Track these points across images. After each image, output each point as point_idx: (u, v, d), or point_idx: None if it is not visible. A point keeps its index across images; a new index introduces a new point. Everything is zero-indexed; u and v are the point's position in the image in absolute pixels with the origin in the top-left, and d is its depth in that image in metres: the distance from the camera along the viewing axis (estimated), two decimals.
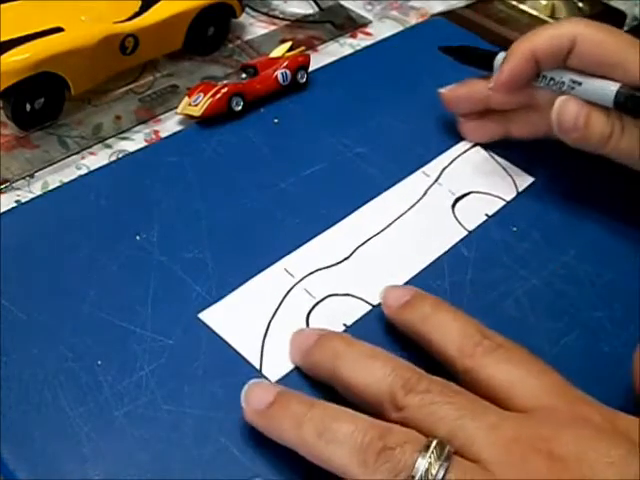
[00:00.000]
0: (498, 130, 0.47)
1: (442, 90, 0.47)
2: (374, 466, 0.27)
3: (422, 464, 0.27)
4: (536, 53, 0.42)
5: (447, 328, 0.33)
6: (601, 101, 0.40)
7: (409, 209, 0.43)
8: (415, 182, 0.45)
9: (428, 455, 0.27)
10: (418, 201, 0.43)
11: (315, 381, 0.34)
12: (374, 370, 0.31)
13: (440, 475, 0.27)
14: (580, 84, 0.41)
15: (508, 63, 0.42)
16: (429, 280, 0.39)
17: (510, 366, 0.31)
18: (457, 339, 0.32)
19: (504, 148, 0.47)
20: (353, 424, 0.29)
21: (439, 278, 0.39)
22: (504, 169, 0.46)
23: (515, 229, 0.43)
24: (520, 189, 0.45)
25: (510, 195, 0.45)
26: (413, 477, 0.27)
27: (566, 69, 0.42)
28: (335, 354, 0.32)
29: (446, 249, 0.41)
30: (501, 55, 0.44)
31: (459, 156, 0.47)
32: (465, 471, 0.27)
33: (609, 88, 0.40)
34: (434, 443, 0.27)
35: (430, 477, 0.27)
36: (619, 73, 0.40)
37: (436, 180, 0.45)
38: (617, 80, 0.40)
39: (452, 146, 0.47)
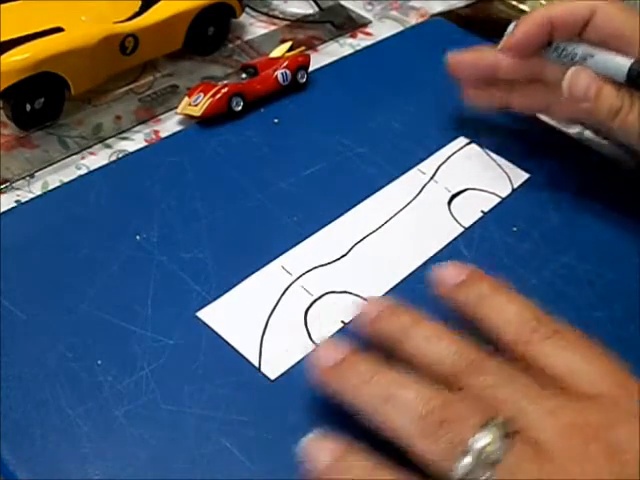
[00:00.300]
0: (500, 98, 0.46)
1: (448, 55, 0.46)
2: (434, 436, 0.27)
3: (482, 440, 0.26)
4: (553, 20, 0.41)
5: (503, 312, 0.32)
6: (613, 75, 0.40)
7: (405, 206, 0.43)
8: (411, 180, 0.45)
9: (489, 432, 0.27)
10: (414, 198, 0.44)
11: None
12: (439, 349, 0.30)
13: (498, 454, 0.26)
14: (593, 57, 0.41)
15: (521, 26, 0.42)
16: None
17: (567, 353, 0.30)
18: (513, 324, 0.32)
19: (499, 145, 0.47)
20: (418, 392, 0.28)
21: None
22: (499, 166, 0.47)
23: (515, 229, 0.43)
24: (515, 185, 0.45)
25: (505, 192, 0.45)
26: (470, 451, 0.26)
27: (580, 41, 0.41)
28: (402, 329, 0.32)
29: (442, 246, 0.41)
30: (514, 23, 0.43)
31: (454, 153, 0.47)
32: (523, 452, 0.27)
33: (622, 63, 0.40)
34: (496, 421, 0.27)
35: (487, 454, 0.26)
36: (633, 49, 0.40)
37: (432, 177, 0.45)
38: (631, 55, 0.40)
39: (447, 144, 0.47)
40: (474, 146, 0.48)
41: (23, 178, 0.42)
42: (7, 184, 0.41)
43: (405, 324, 0.32)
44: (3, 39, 0.42)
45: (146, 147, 0.44)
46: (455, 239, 0.41)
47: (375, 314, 0.33)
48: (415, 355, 0.31)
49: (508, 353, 0.31)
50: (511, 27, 0.43)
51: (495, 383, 0.29)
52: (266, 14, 0.57)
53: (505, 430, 0.27)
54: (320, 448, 0.29)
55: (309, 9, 0.59)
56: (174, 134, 0.45)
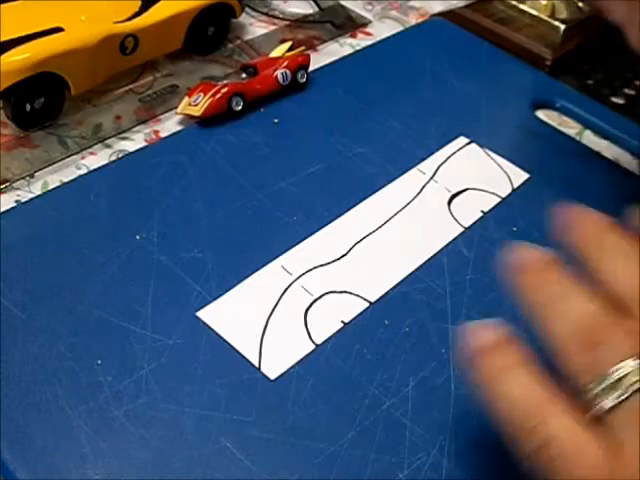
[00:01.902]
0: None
1: None
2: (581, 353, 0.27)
3: (622, 370, 0.25)
4: None
5: None
6: None
7: (405, 206, 0.43)
8: (411, 180, 0.45)
9: (634, 366, 0.25)
10: (414, 198, 0.44)
11: (315, 380, 0.34)
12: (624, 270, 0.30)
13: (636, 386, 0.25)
14: None
15: None
16: (429, 280, 0.39)
17: None
18: None
19: (499, 145, 0.47)
20: (585, 305, 0.28)
21: (439, 278, 0.39)
22: (499, 166, 0.47)
23: (515, 229, 0.43)
24: (515, 185, 0.45)
25: (505, 192, 0.45)
26: (607, 376, 0.26)
27: None
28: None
29: (442, 246, 0.41)
30: None
31: (454, 153, 0.47)
32: None
33: None
34: None
35: (626, 383, 0.25)
36: None
37: (432, 177, 0.45)
38: None
39: (447, 144, 0.47)
40: (474, 146, 0.48)
41: (23, 178, 0.42)
42: (7, 184, 0.41)
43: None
44: (3, 39, 0.41)
45: (146, 147, 0.44)
46: (455, 239, 0.41)
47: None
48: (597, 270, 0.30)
49: None
50: None
51: None
52: (266, 14, 0.57)
53: None
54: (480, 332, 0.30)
55: (309, 9, 0.59)
56: (174, 134, 0.45)
